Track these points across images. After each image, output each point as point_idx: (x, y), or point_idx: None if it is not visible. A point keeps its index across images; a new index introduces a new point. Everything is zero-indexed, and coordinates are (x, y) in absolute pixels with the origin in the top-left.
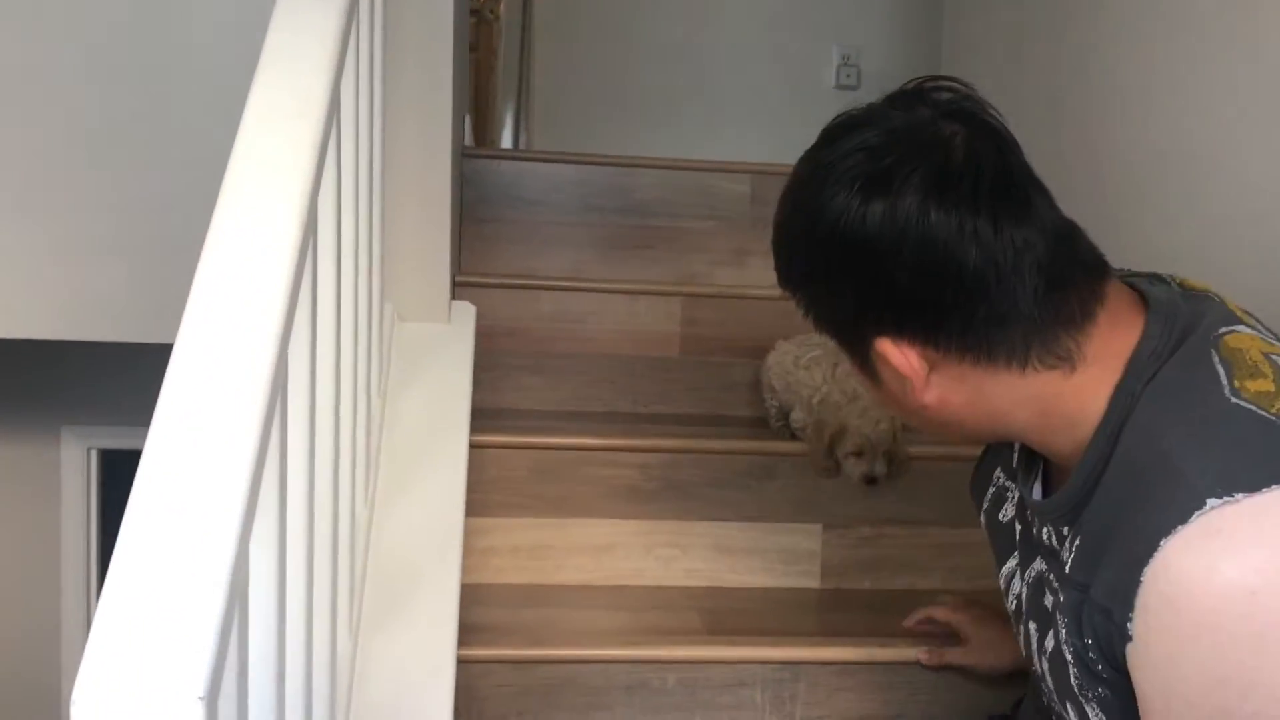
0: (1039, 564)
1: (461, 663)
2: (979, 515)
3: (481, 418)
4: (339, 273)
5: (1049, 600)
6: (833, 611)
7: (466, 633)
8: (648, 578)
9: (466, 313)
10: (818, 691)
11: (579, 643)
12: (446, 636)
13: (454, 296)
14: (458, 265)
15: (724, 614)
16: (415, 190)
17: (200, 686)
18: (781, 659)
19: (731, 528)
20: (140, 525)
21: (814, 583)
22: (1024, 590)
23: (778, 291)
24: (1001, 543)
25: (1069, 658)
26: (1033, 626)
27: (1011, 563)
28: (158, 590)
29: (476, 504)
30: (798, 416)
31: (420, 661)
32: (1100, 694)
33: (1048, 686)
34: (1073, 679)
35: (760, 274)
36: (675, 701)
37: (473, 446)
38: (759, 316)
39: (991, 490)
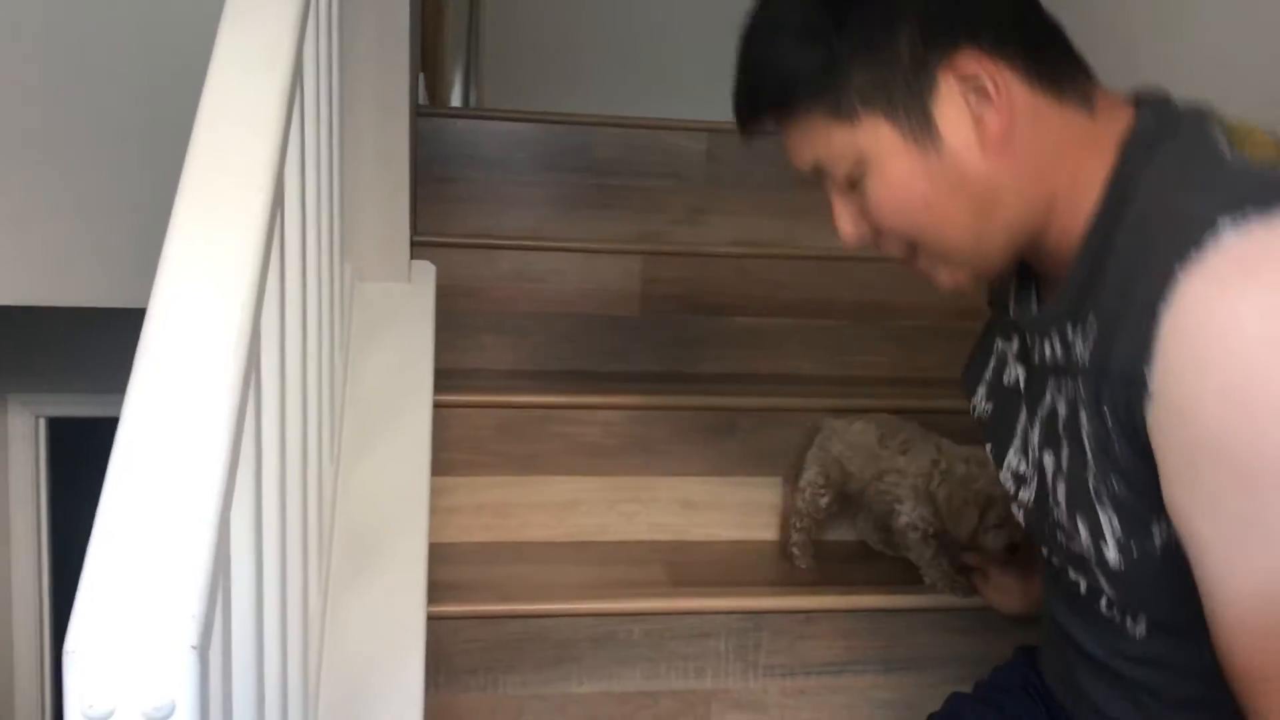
0: (1048, 396)
1: (430, 619)
2: (972, 407)
3: (443, 377)
4: (304, 232)
5: (1062, 423)
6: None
7: (434, 590)
8: (612, 533)
9: (426, 272)
10: (780, 640)
11: (546, 597)
12: (416, 593)
13: (412, 256)
14: (415, 225)
15: (687, 566)
16: (373, 148)
17: (193, 635)
18: (745, 609)
19: (693, 482)
20: (126, 484)
21: (773, 534)
22: (1037, 437)
23: (738, 249)
24: (1008, 409)
25: (1089, 449)
26: (1048, 458)
27: (1020, 422)
28: (148, 546)
29: (440, 463)
30: (912, 516)
31: (391, 618)
32: (1115, 491)
33: (1058, 508)
34: (1090, 479)
35: (719, 231)
36: (641, 653)
37: (436, 405)
38: (719, 274)
39: (993, 362)
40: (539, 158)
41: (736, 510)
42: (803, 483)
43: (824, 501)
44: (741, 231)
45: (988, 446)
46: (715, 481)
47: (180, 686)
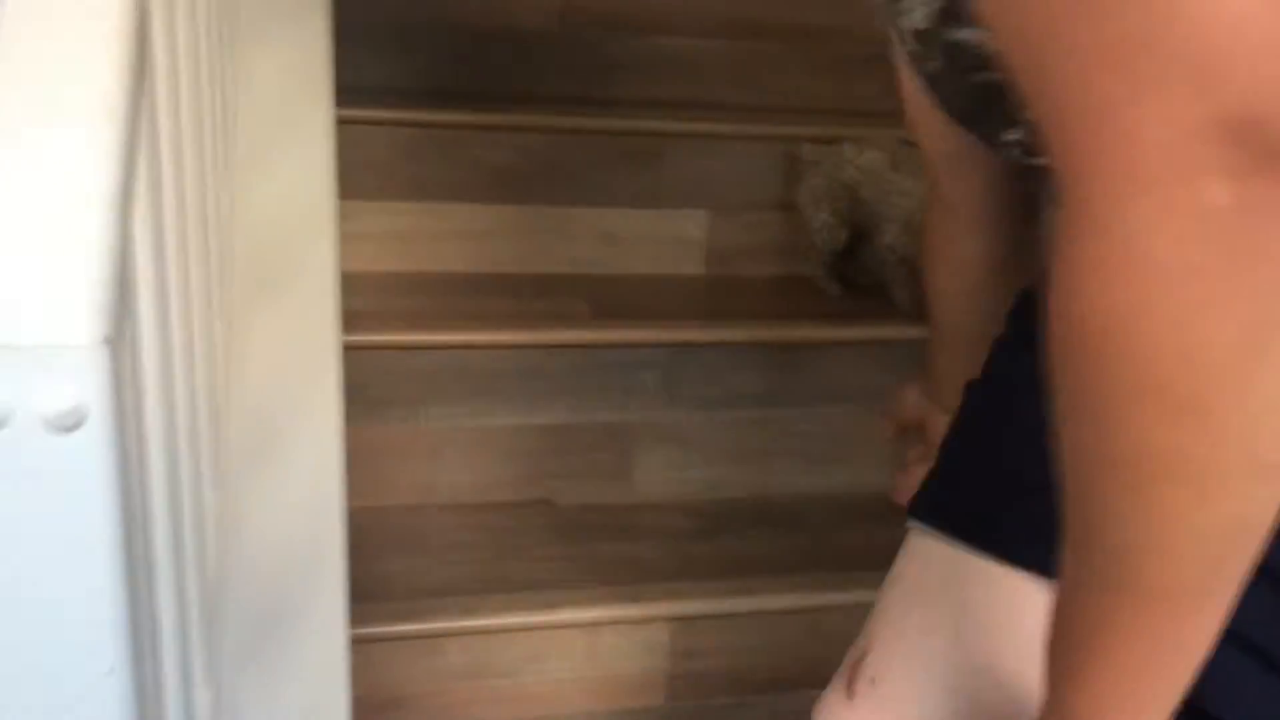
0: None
1: (344, 349)
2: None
3: (339, 92)
4: None
5: None
6: (720, 296)
7: (346, 319)
8: (529, 265)
9: None
10: (707, 373)
11: (466, 328)
12: (328, 318)
13: None
14: None
15: (611, 300)
16: None
17: (105, 327)
18: (671, 340)
19: (615, 214)
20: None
21: (699, 269)
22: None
23: None
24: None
25: None
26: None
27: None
28: (45, 226)
29: (343, 186)
30: (894, 239)
31: (301, 345)
32: None
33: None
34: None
35: None
36: (565, 385)
37: (335, 121)
38: None
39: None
40: None
41: (661, 244)
42: (817, 224)
43: (843, 236)
44: None
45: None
46: (639, 214)
47: (93, 387)
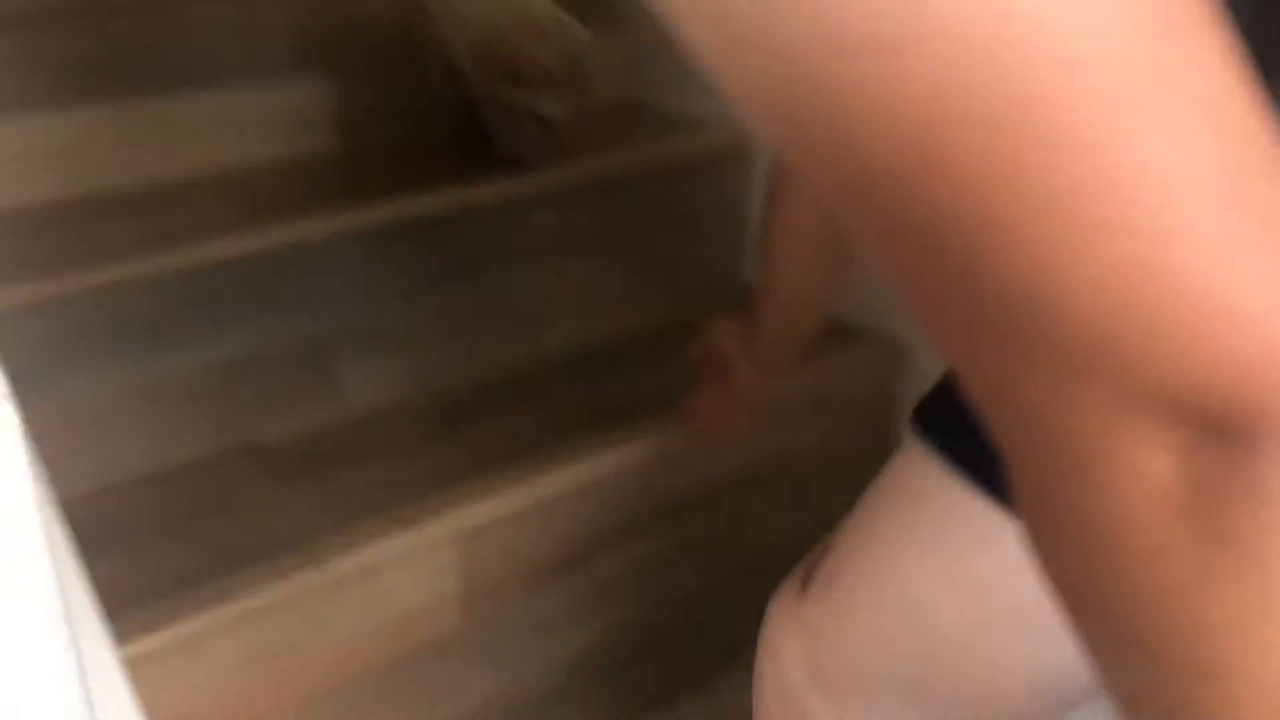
0: None
1: None
2: None
3: None
4: None
5: None
6: (368, 170)
7: None
8: (148, 173)
9: None
10: (387, 259)
11: (95, 266)
12: None
13: None
14: None
15: (254, 197)
16: None
17: None
18: (344, 230)
19: (218, 97)
20: None
21: (335, 143)
22: None
23: None
24: None
25: None
26: None
27: None
28: None
29: None
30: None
31: None
32: None
33: None
34: None
35: None
36: (236, 306)
37: None
38: None
39: None
40: None
41: (289, 120)
42: (440, 73)
43: (469, 82)
44: None
45: None
46: (245, 92)
47: None
